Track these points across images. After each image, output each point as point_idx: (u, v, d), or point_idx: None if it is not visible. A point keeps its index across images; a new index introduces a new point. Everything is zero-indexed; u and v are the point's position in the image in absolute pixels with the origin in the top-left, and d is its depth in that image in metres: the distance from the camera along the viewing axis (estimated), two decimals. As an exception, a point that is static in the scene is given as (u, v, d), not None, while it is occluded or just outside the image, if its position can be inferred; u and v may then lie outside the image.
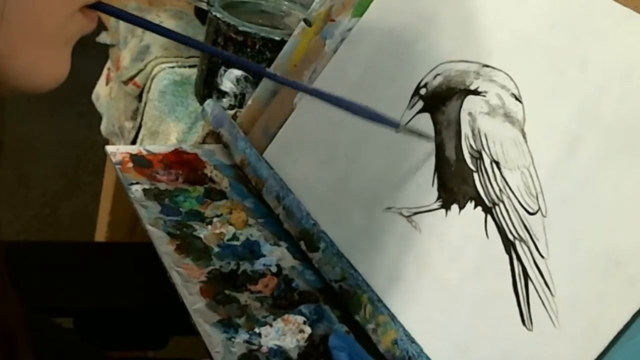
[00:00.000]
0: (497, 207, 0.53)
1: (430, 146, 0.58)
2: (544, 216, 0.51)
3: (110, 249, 0.98)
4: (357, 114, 0.54)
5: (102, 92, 1.12)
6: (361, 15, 0.68)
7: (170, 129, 0.89)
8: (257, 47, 0.81)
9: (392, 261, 0.57)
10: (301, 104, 0.70)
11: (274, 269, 0.61)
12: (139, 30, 1.03)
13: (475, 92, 0.57)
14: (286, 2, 0.90)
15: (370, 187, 0.61)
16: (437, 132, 0.58)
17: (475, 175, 0.55)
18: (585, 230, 0.49)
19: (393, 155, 0.60)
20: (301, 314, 0.56)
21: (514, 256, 0.51)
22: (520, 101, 0.55)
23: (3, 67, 0.35)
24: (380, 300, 0.56)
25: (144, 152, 0.72)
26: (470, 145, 0.56)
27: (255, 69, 0.53)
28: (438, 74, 0.60)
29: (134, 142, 0.97)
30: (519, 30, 0.57)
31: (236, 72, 0.82)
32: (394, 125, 0.56)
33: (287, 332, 0.54)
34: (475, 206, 0.54)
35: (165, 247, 0.61)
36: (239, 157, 0.72)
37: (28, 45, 0.35)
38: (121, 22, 1.07)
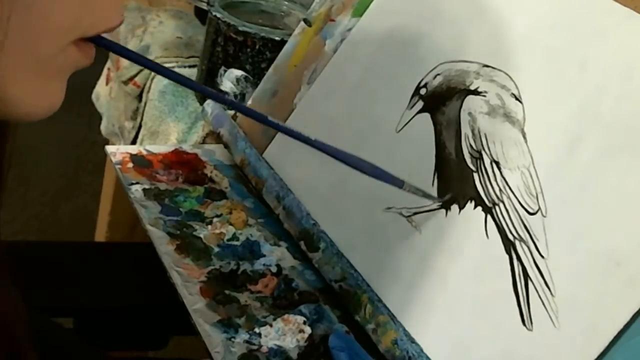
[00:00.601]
0: (497, 207, 0.53)
1: (431, 146, 0.58)
2: (544, 216, 0.51)
3: (110, 249, 0.98)
4: (361, 171, 0.52)
5: (102, 92, 1.12)
6: (361, 15, 0.68)
7: (170, 129, 0.89)
8: (257, 47, 0.81)
9: (392, 261, 0.57)
10: (301, 104, 0.70)
11: (274, 269, 0.61)
12: (139, 30, 1.03)
13: (475, 92, 0.57)
14: (286, 2, 0.90)
15: (370, 187, 0.61)
16: (437, 132, 0.58)
17: (475, 175, 0.55)
18: (585, 230, 0.49)
19: (393, 155, 0.60)
20: (301, 314, 0.56)
21: (514, 256, 0.51)
22: (520, 101, 0.55)
23: None
24: (380, 300, 0.56)
25: (144, 152, 0.72)
26: (470, 145, 0.56)
27: (256, 117, 0.52)
28: (438, 74, 0.60)
29: (134, 142, 0.97)
30: (519, 30, 0.57)
31: (236, 72, 0.82)
32: (397, 184, 0.54)
33: (287, 332, 0.54)
34: (475, 206, 0.54)
35: (165, 247, 0.61)
36: (239, 157, 0.72)
37: (19, 75, 0.34)
38: (121, 22, 1.07)
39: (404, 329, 0.54)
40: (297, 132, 0.49)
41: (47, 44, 0.34)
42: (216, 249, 0.62)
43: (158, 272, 0.60)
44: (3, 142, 0.42)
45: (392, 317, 0.54)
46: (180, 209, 0.66)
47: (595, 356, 0.46)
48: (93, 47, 0.37)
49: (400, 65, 0.63)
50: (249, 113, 0.53)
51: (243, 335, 0.54)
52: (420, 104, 0.60)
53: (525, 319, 0.49)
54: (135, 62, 0.44)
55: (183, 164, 0.72)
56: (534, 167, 0.52)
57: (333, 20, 0.71)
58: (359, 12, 0.69)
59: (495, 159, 0.54)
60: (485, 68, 0.57)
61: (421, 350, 0.52)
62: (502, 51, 0.57)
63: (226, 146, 0.74)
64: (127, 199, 0.67)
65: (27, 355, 0.40)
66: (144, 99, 0.96)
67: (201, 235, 0.63)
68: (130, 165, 0.70)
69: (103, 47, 0.38)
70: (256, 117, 0.50)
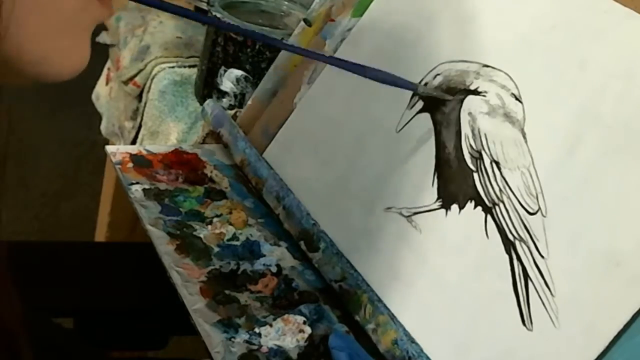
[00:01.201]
0: (497, 207, 0.53)
1: (431, 146, 0.58)
2: (544, 216, 0.51)
3: (110, 249, 0.97)
4: (374, 79, 0.54)
5: (102, 92, 1.12)
6: (361, 15, 0.68)
7: (170, 129, 0.89)
8: (257, 47, 0.81)
9: (392, 261, 0.57)
10: (301, 104, 0.70)
11: (274, 269, 0.61)
12: (139, 30, 1.03)
13: (475, 92, 0.57)
14: (286, 2, 0.90)
15: (370, 187, 0.61)
16: (437, 132, 0.58)
17: (475, 175, 0.55)
18: (585, 230, 0.49)
19: (393, 155, 0.60)
20: (301, 314, 0.56)
21: (514, 256, 0.51)
22: (520, 101, 0.55)
23: (20, 56, 0.34)
24: (380, 300, 0.56)
25: (144, 152, 0.72)
26: (470, 145, 0.56)
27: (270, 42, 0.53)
28: (438, 74, 0.60)
29: (134, 142, 0.97)
30: (519, 30, 0.57)
31: (236, 72, 0.82)
32: (412, 88, 0.57)
33: (287, 332, 0.54)
34: (475, 206, 0.54)
35: (165, 247, 0.61)
36: (239, 157, 0.72)
37: (44, 34, 0.35)
38: (121, 22, 1.07)
39: (404, 329, 0.54)
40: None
41: (69, 5, 0.35)
42: (216, 249, 0.62)
43: (158, 272, 0.60)
44: None
45: (392, 317, 0.54)
46: (180, 209, 0.66)
47: (595, 356, 0.46)
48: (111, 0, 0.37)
49: (400, 65, 0.63)
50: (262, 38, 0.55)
51: (243, 335, 0.54)
52: (420, 104, 0.60)
53: (525, 319, 0.49)
54: (158, 8, 0.43)
55: (183, 164, 0.72)
56: (534, 167, 0.52)
57: (333, 20, 0.71)
58: (359, 12, 0.69)
59: (495, 159, 0.54)
60: (485, 68, 0.57)
61: (421, 350, 0.52)
62: (502, 51, 0.57)
63: (226, 146, 0.74)
64: (127, 199, 0.67)
65: (24, 355, 0.40)
66: (144, 99, 0.96)
67: (201, 235, 0.63)
68: (130, 165, 0.70)
69: None
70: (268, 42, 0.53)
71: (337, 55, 0.69)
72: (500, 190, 0.53)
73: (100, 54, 1.11)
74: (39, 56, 0.35)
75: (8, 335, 0.39)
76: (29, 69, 0.35)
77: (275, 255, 0.63)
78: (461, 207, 0.55)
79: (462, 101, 0.57)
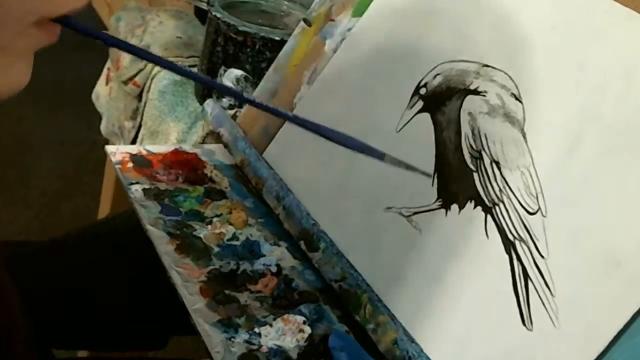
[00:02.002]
0: (497, 207, 0.53)
1: (431, 146, 0.58)
2: (544, 216, 0.51)
3: (109, 247, 0.97)
4: (342, 144, 0.49)
5: (102, 92, 1.12)
6: (361, 15, 0.68)
7: (170, 129, 0.89)
8: (257, 47, 0.81)
9: (392, 261, 0.57)
10: (301, 104, 0.70)
11: (273, 269, 0.61)
12: (139, 30, 1.03)
13: (475, 92, 0.57)
14: (286, 2, 0.90)
15: (370, 187, 0.61)
16: (437, 132, 0.58)
17: (475, 175, 0.55)
18: (585, 230, 0.49)
19: (393, 155, 0.60)
20: (301, 314, 0.56)
21: (514, 256, 0.51)
22: (520, 101, 0.55)
23: None
24: (380, 300, 0.56)
25: (144, 152, 0.72)
26: (470, 145, 0.56)
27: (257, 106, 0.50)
28: (438, 74, 0.60)
29: (133, 142, 0.97)
30: (519, 30, 0.57)
31: (236, 72, 0.82)
32: (379, 156, 0.49)
33: (287, 332, 0.54)
34: (475, 206, 0.54)
35: (165, 247, 0.61)
36: (239, 157, 0.72)
37: None
38: (121, 22, 1.07)
39: (404, 329, 0.54)
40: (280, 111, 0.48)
41: (3, 30, 0.35)
42: (216, 249, 0.62)
43: (158, 272, 0.60)
44: None
45: (392, 317, 0.54)
46: (180, 209, 0.66)
47: (595, 356, 0.46)
48: (58, 26, 0.37)
49: (400, 65, 0.63)
50: (257, 105, 0.51)
51: (243, 335, 0.54)
52: (420, 104, 0.60)
53: (525, 319, 0.49)
54: (113, 46, 0.43)
55: (183, 164, 0.72)
56: (534, 167, 0.52)
57: (333, 20, 0.71)
58: (359, 12, 0.69)
59: (495, 159, 0.54)
60: (485, 68, 0.57)
61: (421, 350, 0.52)
62: (502, 51, 0.57)
63: (226, 146, 0.74)
64: (127, 199, 0.67)
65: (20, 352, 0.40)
66: (143, 99, 0.96)
67: (201, 235, 0.63)
68: (130, 165, 0.70)
69: (70, 28, 0.37)
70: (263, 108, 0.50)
71: (336, 55, 0.69)
72: (500, 190, 0.53)
73: (100, 54, 1.11)
74: None
75: (6, 333, 0.39)
76: None
77: (275, 255, 0.63)
78: (461, 207, 0.55)
79: (462, 101, 0.57)
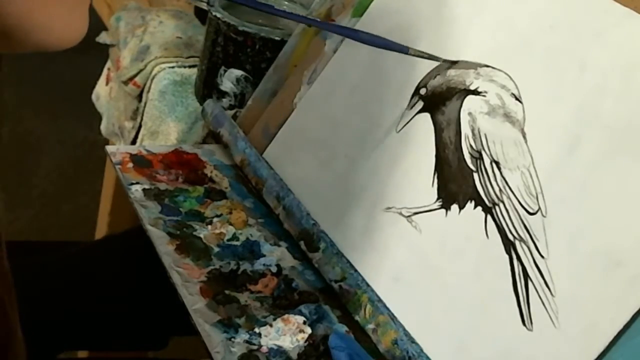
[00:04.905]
0: (497, 207, 0.53)
1: (431, 146, 0.58)
2: (544, 216, 0.51)
3: (109, 247, 0.97)
4: (366, 43, 0.56)
5: (102, 92, 1.12)
6: (361, 15, 0.68)
7: (170, 129, 0.89)
8: (257, 47, 0.81)
9: (392, 261, 0.57)
10: (301, 104, 0.70)
11: (274, 269, 0.61)
12: (139, 30, 1.03)
13: (475, 92, 0.57)
14: (286, 2, 0.90)
15: (370, 187, 0.61)
16: (437, 132, 0.58)
17: (475, 175, 0.55)
18: (585, 230, 0.49)
19: (393, 155, 0.60)
20: (301, 314, 0.56)
21: (514, 256, 0.51)
22: (520, 101, 0.55)
23: (21, 23, 0.35)
24: (380, 300, 0.56)
25: (144, 152, 0.72)
26: (470, 145, 0.56)
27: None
28: (438, 74, 0.60)
29: (134, 142, 0.97)
30: (518, 30, 0.57)
31: (236, 72, 0.82)
32: (403, 50, 0.58)
33: (287, 332, 0.54)
34: (475, 206, 0.54)
35: (165, 247, 0.61)
36: (239, 157, 0.72)
37: (45, 1, 0.36)
38: (121, 22, 1.07)
39: (404, 329, 0.54)
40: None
41: None
42: (216, 249, 0.62)
43: (158, 271, 0.60)
44: None
45: (392, 317, 0.54)
46: (180, 209, 0.66)
47: (595, 356, 0.46)
48: None
49: (400, 65, 0.63)
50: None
51: (243, 335, 0.54)
52: (420, 104, 0.60)
53: (525, 319, 0.49)
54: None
55: (183, 164, 0.72)
56: (534, 167, 0.52)
57: (333, 20, 0.71)
58: (359, 12, 0.69)
59: (495, 159, 0.54)
60: (485, 68, 0.57)
61: (421, 350, 0.52)
62: (502, 51, 0.57)
63: (226, 146, 0.74)
64: (127, 199, 0.67)
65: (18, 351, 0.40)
66: (144, 99, 0.96)
67: (201, 235, 0.63)
68: (130, 165, 0.70)
69: None
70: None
71: (337, 55, 0.69)
72: (500, 190, 0.53)
73: (100, 54, 1.11)
74: (40, 24, 0.36)
75: (6, 336, 0.39)
76: (30, 37, 0.36)
77: (275, 255, 0.63)
78: (461, 207, 0.55)
79: (462, 101, 0.57)
